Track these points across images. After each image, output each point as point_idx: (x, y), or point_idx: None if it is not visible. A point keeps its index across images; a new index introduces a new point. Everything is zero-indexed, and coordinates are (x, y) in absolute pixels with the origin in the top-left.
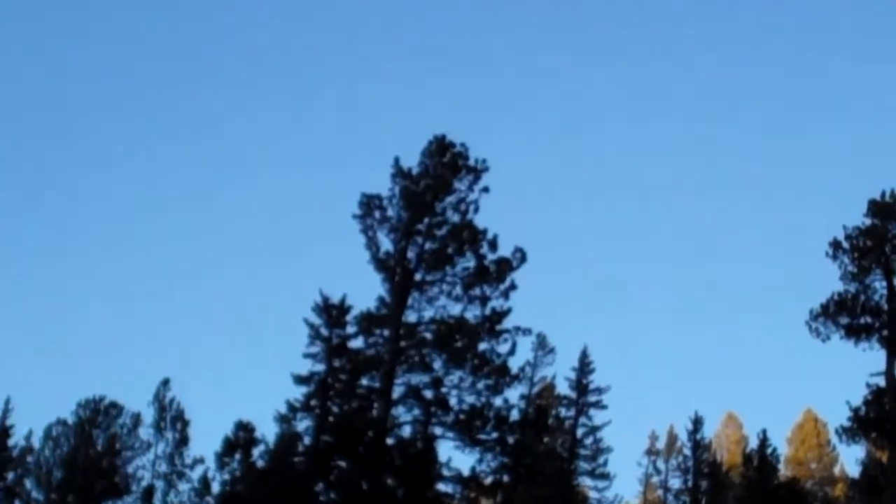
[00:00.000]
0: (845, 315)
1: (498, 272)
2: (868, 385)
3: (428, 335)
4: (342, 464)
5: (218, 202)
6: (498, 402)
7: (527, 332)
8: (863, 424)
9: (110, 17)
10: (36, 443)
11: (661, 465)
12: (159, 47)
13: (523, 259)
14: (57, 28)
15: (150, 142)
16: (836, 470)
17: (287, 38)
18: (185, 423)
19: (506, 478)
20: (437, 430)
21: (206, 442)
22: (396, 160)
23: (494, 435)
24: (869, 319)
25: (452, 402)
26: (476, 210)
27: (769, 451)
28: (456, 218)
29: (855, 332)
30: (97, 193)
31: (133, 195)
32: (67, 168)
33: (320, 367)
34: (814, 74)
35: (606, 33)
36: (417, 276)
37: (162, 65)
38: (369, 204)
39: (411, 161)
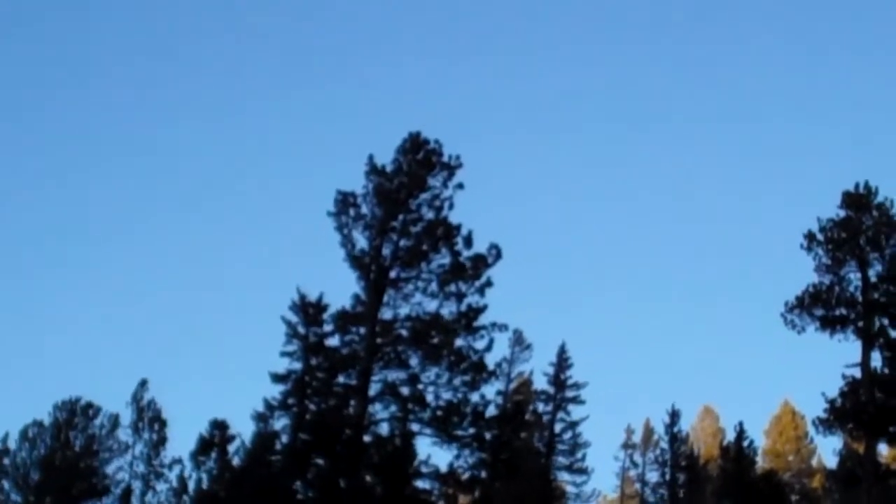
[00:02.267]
0: (820, 307)
1: (473, 268)
2: (844, 376)
3: (404, 332)
4: (320, 462)
5: (194, 202)
6: (475, 398)
7: (503, 328)
8: (839, 416)
9: (98, 17)
10: (12, 444)
11: (637, 458)
12: (135, 46)
13: (499, 255)
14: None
15: (126, 145)
16: (814, 461)
17: (262, 37)
18: (163, 424)
19: (483, 474)
20: (415, 427)
21: (184, 442)
22: (370, 157)
23: (472, 431)
24: (844, 311)
25: (429, 398)
26: (451, 207)
27: (746, 443)
28: (430, 215)
29: (830, 324)
30: (74, 195)
31: (111, 197)
32: (45, 169)
33: (297, 366)
34: (792, 67)
35: (582, 27)
36: (393, 274)
37: (137, 64)
38: (344, 201)
39: (385, 158)
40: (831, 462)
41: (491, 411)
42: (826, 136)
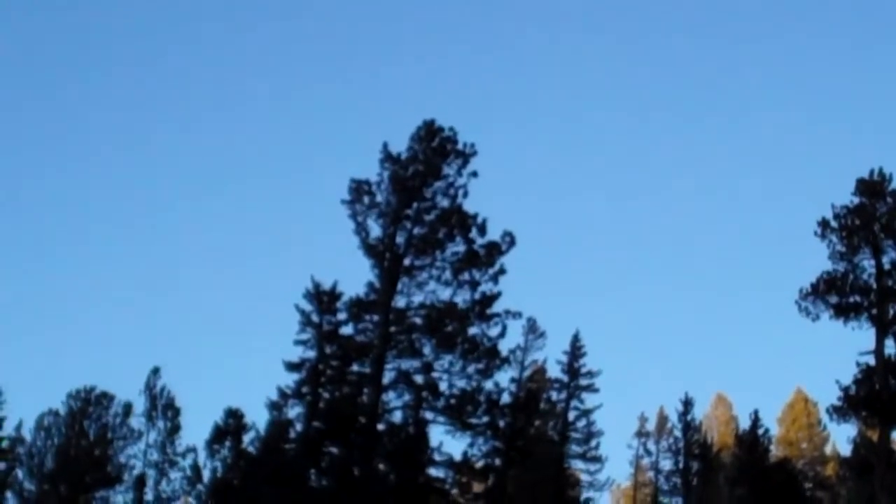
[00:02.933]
0: (834, 294)
1: (487, 256)
2: (858, 364)
3: (418, 320)
4: (334, 450)
5: (208, 191)
6: (489, 385)
7: (517, 315)
8: (853, 403)
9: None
10: (27, 433)
11: (651, 446)
12: (147, 40)
13: (512, 243)
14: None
15: (139, 136)
16: (828, 449)
17: (281, 26)
18: (176, 412)
19: (497, 462)
20: (428, 415)
21: (197, 430)
22: (385, 145)
23: (485, 419)
24: (858, 298)
25: (443, 386)
26: (465, 194)
27: (760, 431)
28: (445, 203)
29: (844, 311)
30: (88, 186)
31: (124, 188)
32: (59, 160)
33: (311, 354)
34: (808, 56)
35: (600, 17)
36: (407, 262)
37: (152, 57)
38: (358, 189)
39: (400, 146)
40: (845, 450)
41: (505, 399)
42: (840, 123)
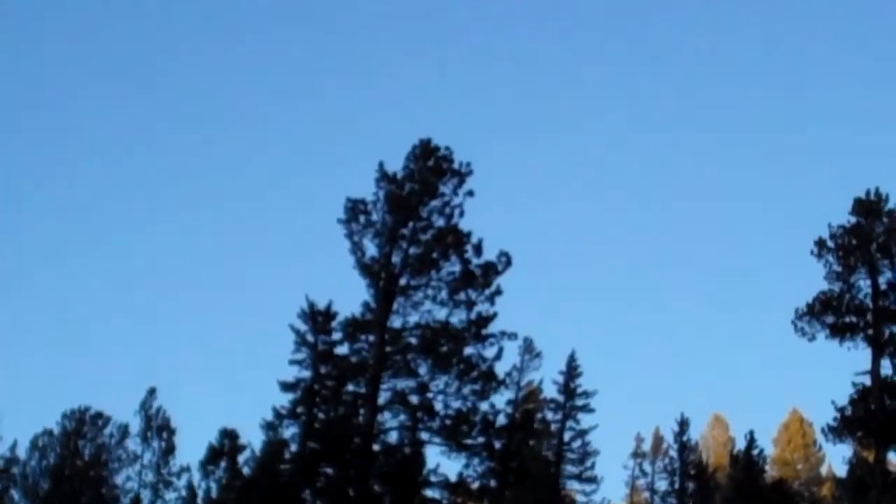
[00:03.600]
0: (830, 314)
1: (483, 276)
2: (854, 384)
3: (413, 340)
4: (329, 470)
5: (203, 210)
6: (484, 406)
7: (513, 336)
8: (849, 424)
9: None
10: (22, 453)
11: (647, 467)
12: (138, 50)
13: (508, 263)
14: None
15: (135, 148)
16: (823, 470)
17: (274, 42)
18: (172, 432)
19: (493, 482)
20: (424, 436)
21: (192, 450)
22: (381, 164)
23: (481, 440)
24: (854, 318)
25: (438, 407)
26: (461, 214)
27: (756, 451)
28: (441, 222)
29: (840, 331)
30: (83, 201)
31: (120, 203)
32: (54, 176)
33: (306, 374)
34: (802, 73)
35: (591, 31)
36: (402, 281)
37: (144, 68)
38: (354, 209)
39: (396, 165)
40: (841, 470)
41: (500, 420)
42: (837, 142)
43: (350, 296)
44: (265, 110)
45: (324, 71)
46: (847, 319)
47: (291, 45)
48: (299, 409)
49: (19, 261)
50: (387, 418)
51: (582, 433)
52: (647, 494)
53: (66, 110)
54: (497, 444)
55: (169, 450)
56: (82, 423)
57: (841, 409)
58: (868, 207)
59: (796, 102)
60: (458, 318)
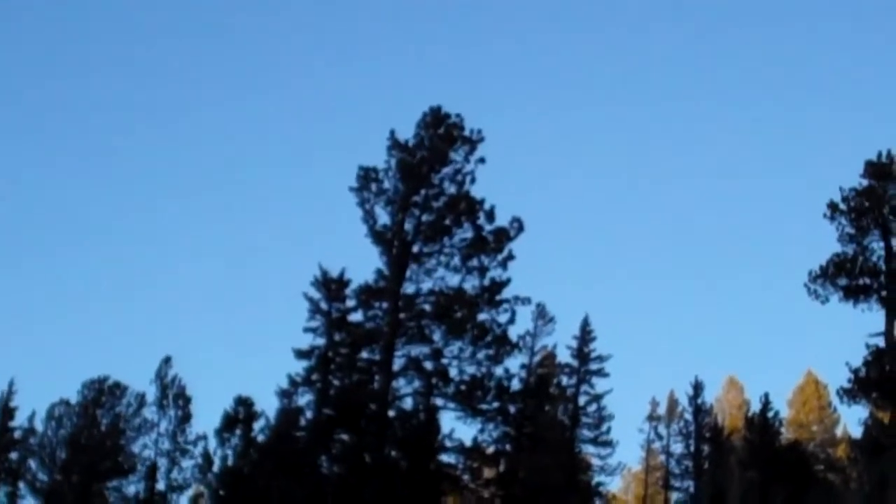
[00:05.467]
0: (844, 276)
1: (496, 242)
2: (867, 346)
3: (427, 307)
4: (344, 437)
5: (216, 180)
6: (498, 371)
7: (526, 301)
8: (863, 385)
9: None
10: (39, 424)
11: (662, 430)
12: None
13: (521, 229)
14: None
15: (149, 122)
16: (838, 431)
17: (283, 12)
18: (187, 401)
19: (508, 447)
20: (439, 402)
21: (208, 418)
22: (392, 132)
23: (496, 405)
24: (867, 280)
25: (453, 372)
26: (472, 181)
27: (770, 414)
28: (452, 189)
29: (854, 294)
30: (100, 176)
31: (134, 175)
32: (74, 151)
33: (321, 341)
34: (814, 38)
35: (604, 4)
36: (415, 248)
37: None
38: (366, 177)
39: (407, 133)
40: (856, 432)
41: (515, 385)
42: (848, 105)
43: (363, 263)
44: (279, 82)
45: (336, 41)
46: (860, 281)
47: (303, 14)
48: (314, 377)
49: (37, 233)
50: (401, 384)
51: (597, 397)
52: (662, 458)
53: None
54: (512, 409)
55: (185, 418)
56: (100, 393)
57: (855, 371)
58: (880, 170)
59: (810, 66)
60: (471, 283)
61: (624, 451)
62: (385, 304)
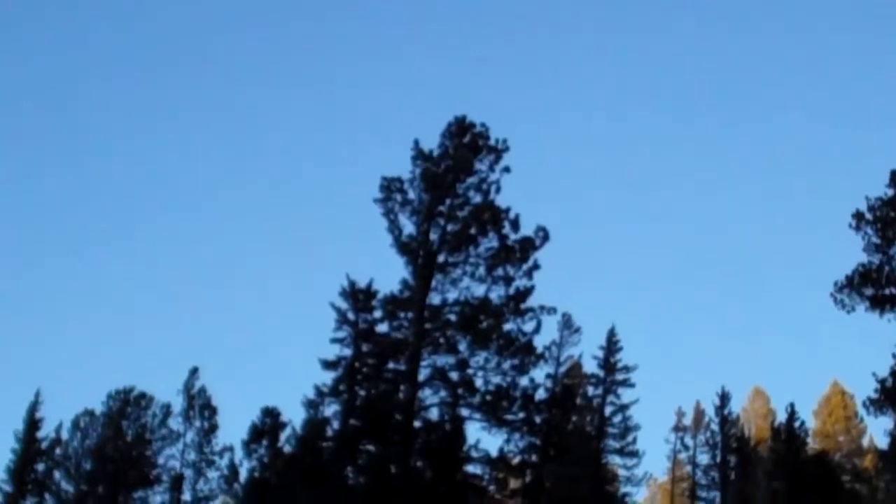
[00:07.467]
0: (870, 286)
1: (521, 252)
2: (894, 356)
3: (452, 317)
4: (370, 447)
5: (244, 191)
6: (524, 381)
7: (552, 311)
8: (890, 395)
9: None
10: (65, 434)
11: (688, 441)
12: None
13: (546, 238)
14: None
15: (177, 131)
16: (865, 442)
17: (310, 23)
18: (213, 411)
19: (534, 458)
20: (465, 412)
21: (234, 429)
22: (416, 142)
23: (522, 415)
24: (894, 290)
25: (478, 383)
26: (498, 190)
27: (797, 424)
28: (478, 198)
29: (880, 303)
30: (125, 185)
31: (160, 185)
32: (95, 159)
33: (347, 352)
34: (841, 47)
35: (628, 11)
36: (440, 258)
37: (187, 55)
38: (390, 187)
39: (431, 143)
40: (882, 442)
41: (541, 395)
42: (875, 114)
43: (389, 274)
44: (305, 91)
45: (360, 51)
46: (887, 291)
47: (328, 22)
48: (341, 387)
49: (64, 245)
50: (427, 395)
51: (623, 408)
52: (688, 468)
53: (111, 96)
54: (538, 420)
55: (211, 429)
56: (126, 404)
57: (882, 381)
58: None
59: (837, 75)
60: (496, 293)
61: (650, 462)
62: (411, 315)
